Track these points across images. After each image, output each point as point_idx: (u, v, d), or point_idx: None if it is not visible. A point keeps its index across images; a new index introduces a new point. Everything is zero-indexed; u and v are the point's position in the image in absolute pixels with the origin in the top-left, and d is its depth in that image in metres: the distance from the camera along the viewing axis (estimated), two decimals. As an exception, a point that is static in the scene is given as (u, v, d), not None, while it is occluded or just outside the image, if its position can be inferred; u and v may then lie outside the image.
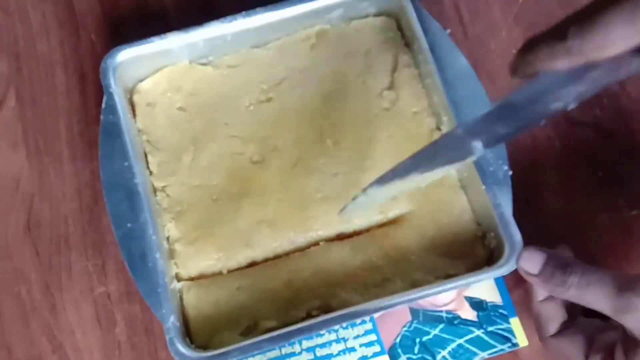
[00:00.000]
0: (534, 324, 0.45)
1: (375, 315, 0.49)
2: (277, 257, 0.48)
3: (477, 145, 0.39)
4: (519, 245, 0.44)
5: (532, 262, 0.42)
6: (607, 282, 0.39)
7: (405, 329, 0.49)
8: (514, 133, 0.37)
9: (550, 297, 0.44)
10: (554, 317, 0.44)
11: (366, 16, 0.53)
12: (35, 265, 0.52)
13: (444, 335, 0.49)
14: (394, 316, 0.49)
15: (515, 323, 0.49)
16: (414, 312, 0.49)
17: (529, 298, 0.45)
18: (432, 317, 0.49)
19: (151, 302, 0.44)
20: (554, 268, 0.41)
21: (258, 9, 0.50)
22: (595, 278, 0.40)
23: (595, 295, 0.39)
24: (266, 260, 0.48)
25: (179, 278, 0.48)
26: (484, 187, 0.46)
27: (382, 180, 0.41)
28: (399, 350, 0.49)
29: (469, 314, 0.49)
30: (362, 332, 0.49)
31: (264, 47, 0.53)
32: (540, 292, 0.43)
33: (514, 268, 0.44)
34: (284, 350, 0.49)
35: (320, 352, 0.49)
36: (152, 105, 0.51)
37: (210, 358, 0.43)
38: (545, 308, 0.44)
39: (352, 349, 0.49)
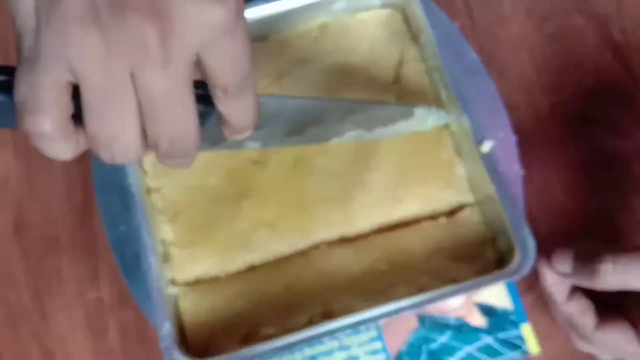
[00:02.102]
0: (566, 329, 0.44)
1: (380, 322, 0.48)
2: (277, 260, 0.48)
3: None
4: (532, 249, 0.43)
5: (564, 264, 0.42)
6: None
7: (411, 336, 0.48)
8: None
9: (572, 292, 0.43)
10: (585, 309, 0.42)
11: (371, 8, 0.52)
12: (24, 269, 0.52)
13: (452, 343, 0.48)
14: (399, 323, 0.48)
15: (526, 330, 0.48)
16: (421, 319, 0.49)
17: (547, 307, 0.44)
18: (439, 324, 0.48)
19: (145, 308, 0.44)
20: (585, 262, 0.41)
21: (258, 1, 0.49)
22: (628, 258, 0.39)
23: (637, 274, 0.39)
24: (266, 264, 0.48)
25: (174, 283, 0.47)
26: (494, 187, 0.45)
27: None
28: (406, 359, 0.47)
29: (478, 320, 0.48)
30: (367, 339, 0.48)
31: (265, 40, 0.52)
32: (561, 292, 0.42)
33: (526, 272, 0.43)
34: (284, 359, 0.48)
35: (322, 360, 0.48)
36: (147, 101, 0.51)
37: (207, 366, 0.43)
38: (574, 305, 0.43)
39: (356, 358, 0.48)
